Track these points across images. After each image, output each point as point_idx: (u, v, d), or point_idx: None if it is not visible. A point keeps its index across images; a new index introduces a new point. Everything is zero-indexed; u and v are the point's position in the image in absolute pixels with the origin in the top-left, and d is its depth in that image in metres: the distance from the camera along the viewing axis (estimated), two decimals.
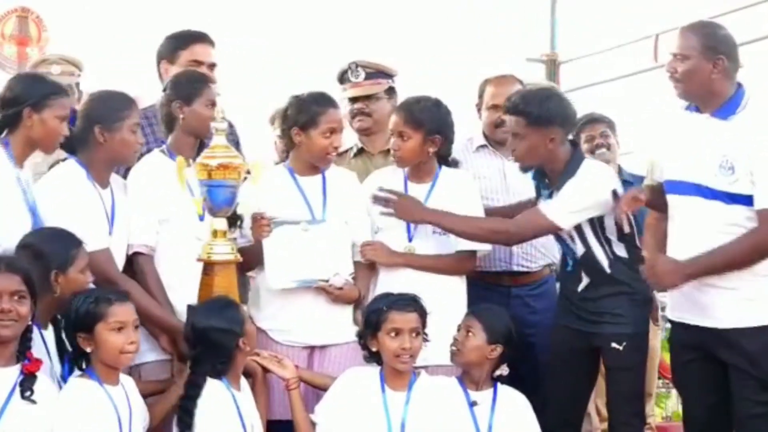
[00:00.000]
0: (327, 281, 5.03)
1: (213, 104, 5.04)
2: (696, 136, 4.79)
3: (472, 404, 4.84)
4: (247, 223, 5.01)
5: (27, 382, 4.07)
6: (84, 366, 4.31)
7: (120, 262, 4.89)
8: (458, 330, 4.92)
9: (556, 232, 5.14)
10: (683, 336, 4.90)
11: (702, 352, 4.82)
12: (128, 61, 7.61)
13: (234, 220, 4.89)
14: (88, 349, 4.28)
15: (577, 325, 5.12)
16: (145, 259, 4.99)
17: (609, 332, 5.03)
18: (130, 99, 5.02)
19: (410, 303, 4.78)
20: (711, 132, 4.74)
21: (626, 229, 4.87)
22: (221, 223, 4.80)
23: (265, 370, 4.84)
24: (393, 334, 4.68)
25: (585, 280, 5.12)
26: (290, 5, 8.39)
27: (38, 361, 4.14)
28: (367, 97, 5.89)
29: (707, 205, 4.72)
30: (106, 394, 4.24)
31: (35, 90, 4.68)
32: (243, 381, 4.65)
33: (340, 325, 5.10)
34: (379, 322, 4.70)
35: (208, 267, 4.76)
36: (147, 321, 4.79)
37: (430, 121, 5.22)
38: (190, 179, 4.84)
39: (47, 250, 4.44)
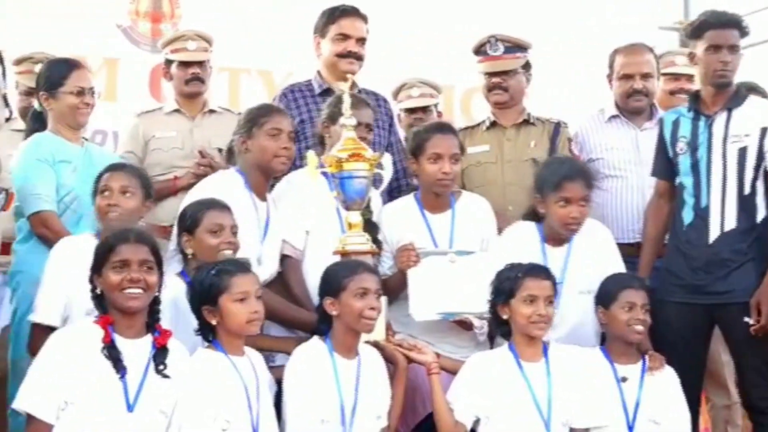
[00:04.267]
0: (473, 315, 4.97)
1: (358, 126, 4.99)
2: None
3: (622, 380, 4.76)
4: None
5: (160, 356, 4.14)
6: (210, 338, 4.36)
7: (268, 275, 4.94)
8: None
9: None
10: None
11: None
12: (261, 37, 7.66)
13: (375, 244, 4.92)
14: (214, 322, 4.33)
15: (694, 299, 5.04)
16: (291, 261, 5.05)
17: (740, 304, 4.94)
18: (270, 108, 5.14)
19: (545, 270, 4.74)
20: None
21: None
22: (355, 216, 4.85)
23: (409, 360, 4.80)
24: (528, 301, 4.62)
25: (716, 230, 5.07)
26: None
27: (167, 333, 4.20)
28: (505, 72, 5.85)
29: None
30: (232, 364, 4.28)
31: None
32: (367, 357, 4.63)
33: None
34: (514, 290, 4.65)
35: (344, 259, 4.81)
36: (282, 322, 4.89)
37: None
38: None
39: (182, 213, 4.66)
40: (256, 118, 5.02)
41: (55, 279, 4.62)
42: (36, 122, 5.42)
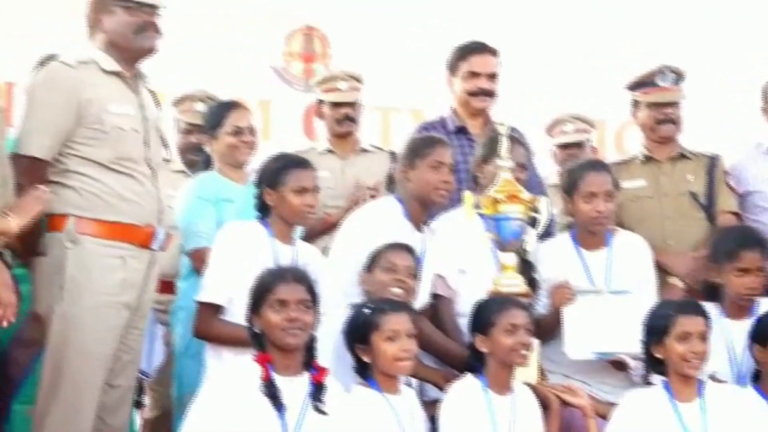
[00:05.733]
0: (628, 355, 4.92)
1: (516, 168, 5.02)
2: None
3: None
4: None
5: (317, 393, 4.14)
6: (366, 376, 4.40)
7: (420, 306, 4.92)
8: None
9: None
10: None
11: None
12: (411, 76, 7.72)
13: (532, 284, 4.93)
14: (367, 360, 4.36)
15: None
16: (444, 300, 5.06)
17: None
18: (434, 140, 5.13)
19: (697, 307, 4.66)
20: None
21: None
22: (510, 258, 4.87)
23: (564, 403, 4.77)
24: (682, 339, 4.53)
25: None
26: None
27: (324, 370, 4.21)
28: (674, 103, 5.80)
29: None
30: (387, 403, 4.30)
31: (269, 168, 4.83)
32: (521, 394, 4.60)
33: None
34: (667, 327, 4.56)
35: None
36: (435, 353, 4.89)
37: None
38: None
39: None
40: (419, 149, 5.04)
41: (222, 260, 4.69)
42: (206, 165, 5.57)
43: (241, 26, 7.81)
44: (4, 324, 3.92)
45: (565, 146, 6.66)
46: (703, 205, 5.62)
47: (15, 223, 3.95)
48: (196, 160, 5.89)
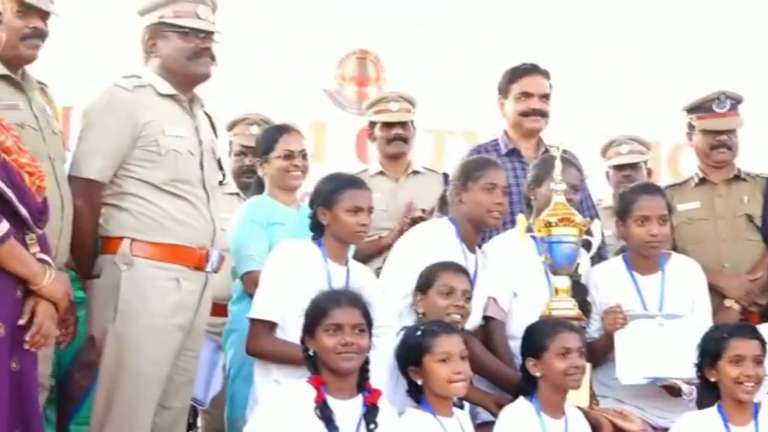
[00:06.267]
0: (681, 380, 4.89)
1: (568, 189, 5.01)
2: None
3: None
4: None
5: (370, 415, 4.15)
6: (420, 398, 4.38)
7: (471, 327, 4.91)
8: None
9: None
10: None
11: None
12: (465, 99, 7.72)
13: (584, 307, 4.92)
14: (420, 382, 4.35)
15: None
16: (495, 322, 5.03)
17: None
18: (487, 162, 5.13)
19: (751, 330, 4.64)
20: None
21: None
22: (563, 281, 4.87)
23: (616, 428, 4.73)
24: (735, 362, 4.50)
25: None
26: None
27: (377, 392, 4.21)
28: (730, 130, 5.76)
29: None
30: (440, 425, 4.28)
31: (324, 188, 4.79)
32: (573, 418, 4.59)
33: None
34: (720, 351, 4.54)
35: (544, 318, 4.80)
36: (487, 375, 4.87)
37: None
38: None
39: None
40: (471, 172, 5.03)
41: (276, 278, 4.66)
42: (258, 188, 5.60)
43: (294, 50, 7.86)
44: (33, 350, 3.93)
45: (619, 167, 6.63)
46: (759, 227, 5.59)
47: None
48: (249, 182, 5.94)
